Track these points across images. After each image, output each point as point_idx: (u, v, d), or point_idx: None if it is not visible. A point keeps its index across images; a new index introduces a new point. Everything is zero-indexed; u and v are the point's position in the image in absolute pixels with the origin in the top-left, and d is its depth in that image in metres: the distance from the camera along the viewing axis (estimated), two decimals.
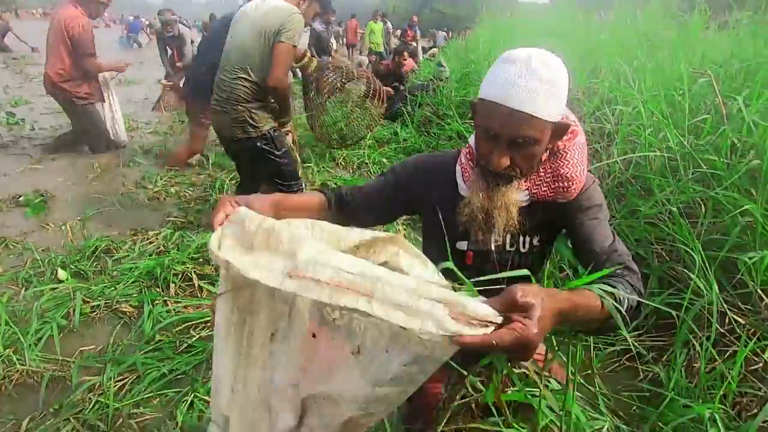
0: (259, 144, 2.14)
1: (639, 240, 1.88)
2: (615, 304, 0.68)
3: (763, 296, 1.46)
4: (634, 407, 1.45)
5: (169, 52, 5.54)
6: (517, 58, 0.76)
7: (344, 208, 0.99)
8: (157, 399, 1.42)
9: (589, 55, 3.64)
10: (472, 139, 0.94)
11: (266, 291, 0.66)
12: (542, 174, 0.90)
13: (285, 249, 0.60)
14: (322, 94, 3.52)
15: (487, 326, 0.54)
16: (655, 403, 1.35)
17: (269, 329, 0.70)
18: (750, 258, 1.47)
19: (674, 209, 1.69)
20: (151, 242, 2.38)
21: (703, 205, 1.70)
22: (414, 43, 11.17)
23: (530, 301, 0.55)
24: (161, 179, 3.25)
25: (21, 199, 2.78)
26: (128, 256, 2.23)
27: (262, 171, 2.32)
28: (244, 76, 2.05)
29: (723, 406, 1.30)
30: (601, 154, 2.26)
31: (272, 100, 2.19)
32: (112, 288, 1.92)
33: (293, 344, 0.68)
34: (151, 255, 2.22)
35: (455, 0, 41.08)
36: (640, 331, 1.76)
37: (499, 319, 0.55)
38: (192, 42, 5.43)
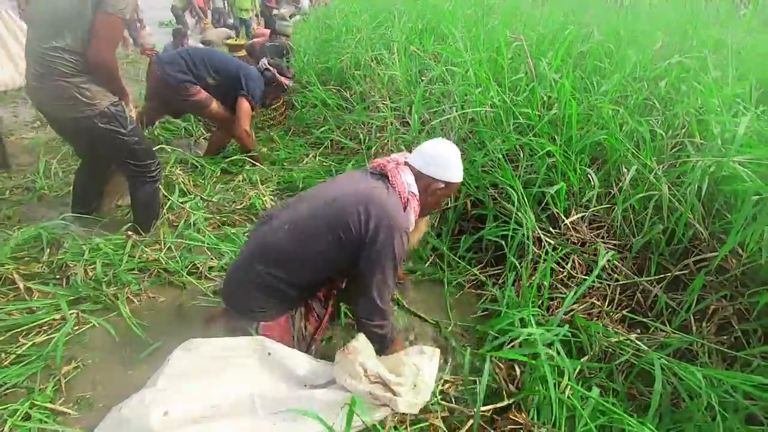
0: (98, 123, 1.82)
1: (478, 186, 2.16)
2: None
3: (563, 217, 1.81)
4: (477, 326, 1.72)
5: None
6: (457, 151, 1.47)
7: None
8: None
9: (437, 22, 3.91)
10: (415, 191, 1.39)
11: None
12: None
13: None
14: None
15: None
16: (495, 321, 1.62)
17: None
18: (554, 189, 1.81)
19: (500, 156, 1.98)
20: None
21: (521, 151, 2.02)
22: (278, 10, 10.58)
23: None
24: None
25: None
26: None
27: (109, 153, 2.00)
28: (60, 45, 1.70)
29: (540, 310, 1.62)
30: (446, 113, 2.49)
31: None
32: None
33: None
34: None
35: None
36: (483, 264, 2.05)
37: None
38: None
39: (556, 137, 2.00)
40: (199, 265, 1.93)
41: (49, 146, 3.13)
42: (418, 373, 1.23)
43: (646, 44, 2.36)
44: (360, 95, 3.54)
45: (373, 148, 2.84)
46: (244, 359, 1.31)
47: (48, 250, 1.89)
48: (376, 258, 1.29)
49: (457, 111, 2.28)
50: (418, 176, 1.41)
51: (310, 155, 3.18)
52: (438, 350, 1.37)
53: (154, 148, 2.19)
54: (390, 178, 1.38)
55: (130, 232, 2.02)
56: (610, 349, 1.46)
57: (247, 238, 1.62)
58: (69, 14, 1.69)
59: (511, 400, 1.34)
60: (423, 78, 3.17)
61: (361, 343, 1.28)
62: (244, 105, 2.87)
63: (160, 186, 2.21)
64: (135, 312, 1.69)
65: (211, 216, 2.36)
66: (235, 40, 5.76)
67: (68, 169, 2.73)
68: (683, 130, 1.98)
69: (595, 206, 1.86)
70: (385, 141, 2.84)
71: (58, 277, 1.78)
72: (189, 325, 1.69)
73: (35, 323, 1.55)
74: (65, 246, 1.91)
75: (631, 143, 1.89)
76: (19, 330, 1.52)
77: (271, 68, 3.20)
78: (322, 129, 3.43)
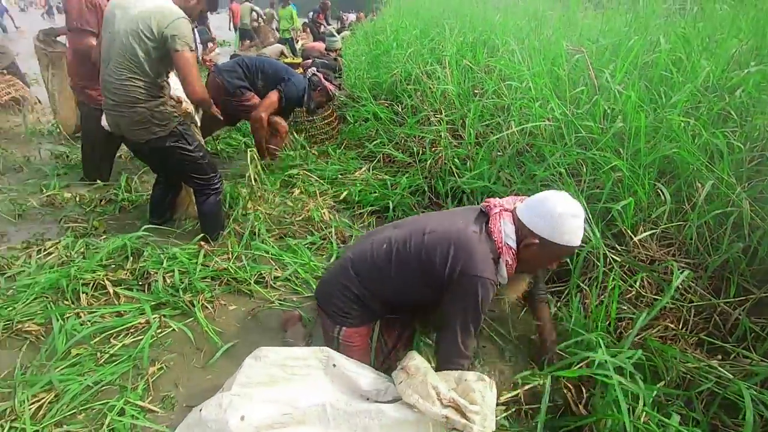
0: (168, 142, 2.03)
1: None
2: None
3: (631, 234, 1.75)
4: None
5: None
6: (579, 212, 1.26)
7: None
8: (83, 414, 1.35)
9: (488, 35, 3.91)
10: (512, 243, 1.30)
11: None
12: None
13: None
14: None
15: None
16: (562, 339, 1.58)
17: None
18: (621, 205, 1.75)
19: (562, 171, 1.94)
20: (50, 253, 2.16)
21: (584, 165, 1.97)
22: (325, 26, 10.98)
23: None
24: (57, 180, 2.92)
25: None
26: (24, 271, 2.01)
27: (178, 168, 2.21)
28: (133, 77, 1.91)
29: (606, 333, 1.57)
30: (502, 125, 2.48)
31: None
32: (10, 308, 1.73)
33: None
34: (52, 267, 2.02)
35: None
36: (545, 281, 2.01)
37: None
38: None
39: (621, 151, 1.94)
40: (264, 275, 2.03)
41: (129, 162, 3.41)
42: (483, 400, 1.22)
43: (720, 52, 2.24)
44: (411, 109, 3.60)
45: (428, 161, 2.86)
46: (309, 369, 1.37)
47: (131, 258, 2.06)
48: (458, 304, 1.27)
49: (514, 125, 2.27)
50: (519, 227, 1.31)
51: (363, 168, 3.26)
52: (494, 382, 1.33)
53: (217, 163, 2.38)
54: (489, 223, 1.33)
55: (202, 243, 2.17)
56: (689, 376, 1.38)
57: (352, 243, 1.70)
58: (140, 51, 1.88)
59: (581, 423, 1.31)
60: (476, 91, 3.18)
61: (419, 361, 1.29)
62: (272, 96, 3.05)
63: (223, 197, 2.39)
64: (209, 318, 1.81)
65: (273, 228, 2.47)
66: (293, 58, 6.05)
67: (144, 183, 2.97)
68: (763, 143, 1.86)
69: (665, 223, 1.78)
70: (439, 155, 2.86)
71: (140, 283, 1.93)
72: (258, 331, 1.79)
73: (124, 326, 1.69)
74: (145, 255, 2.08)
75: (705, 157, 1.80)
76: (110, 332, 1.66)
77: (318, 74, 3.34)
78: (375, 142, 3.51)
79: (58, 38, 3.33)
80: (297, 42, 9.03)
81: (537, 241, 1.27)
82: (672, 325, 1.59)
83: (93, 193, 2.83)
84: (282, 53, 7.61)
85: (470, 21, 4.54)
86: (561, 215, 1.24)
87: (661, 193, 1.79)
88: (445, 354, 1.31)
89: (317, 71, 3.34)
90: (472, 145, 2.61)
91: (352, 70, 4.91)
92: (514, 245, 1.30)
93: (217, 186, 2.25)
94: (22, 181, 3.01)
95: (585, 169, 1.96)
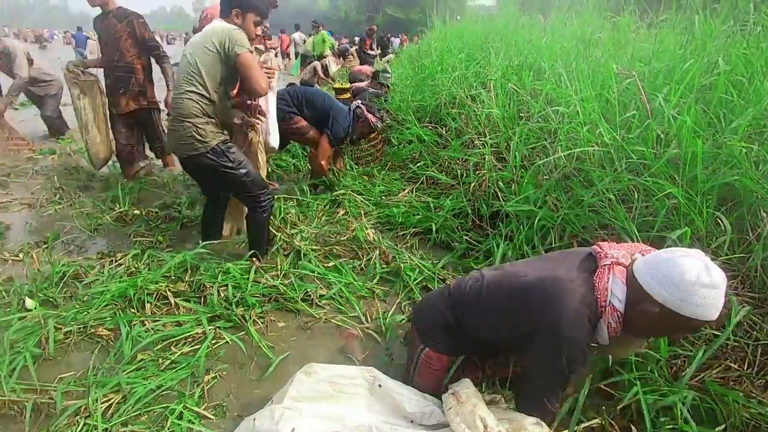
0: (209, 159, 2.15)
1: (585, 227, 2.08)
2: None
3: None
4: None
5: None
6: (719, 282, 1.01)
7: None
8: (146, 416, 1.46)
9: (534, 58, 3.91)
10: (618, 305, 1.12)
11: None
12: None
13: None
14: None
15: None
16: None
17: None
18: (677, 235, 1.68)
19: (612, 197, 1.90)
20: (120, 264, 2.37)
21: (635, 192, 1.92)
22: (372, 51, 11.40)
23: None
24: (128, 197, 3.20)
25: None
26: (98, 279, 2.22)
27: (224, 186, 2.36)
28: (190, 89, 2.08)
29: (660, 371, 1.49)
30: (548, 149, 2.46)
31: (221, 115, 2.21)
32: (85, 313, 1.91)
33: None
34: (121, 277, 2.21)
35: (406, 5, 41.99)
36: None
37: None
38: (28, 57, 4.46)
39: (676, 177, 1.87)
40: (311, 293, 2.11)
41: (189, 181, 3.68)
42: None
43: None
44: (455, 131, 3.64)
45: (472, 184, 2.88)
46: (357, 388, 1.41)
47: (190, 272, 2.21)
48: (542, 362, 1.18)
49: (561, 149, 2.25)
50: (634, 288, 1.10)
51: (407, 190, 3.32)
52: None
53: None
54: (595, 275, 1.17)
55: (254, 259, 2.29)
56: (753, 422, 1.29)
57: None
58: (202, 65, 2.05)
59: None
60: (522, 114, 3.18)
61: (471, 390, 1.29)
62: (324, 144, 3.28)
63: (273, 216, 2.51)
64: (260, 332, 1.90)
65: (318, 248, 2.57)
66: (341, 84, 6.32)
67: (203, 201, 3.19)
68: None
69: (726, 254, 1.68)
70: (483, 177, 2.87)
71: (198, 295, 2.07)
72: (306, 346, 1.86)
73: (183, 335, 1.82)
74: (202, 269, 2.23)
75: None
76: (171, 340, 1.79)
77: (361, 106, 3.48)
78: (419, 164, 3.57)
79: (88, 70, 3.41)
80: (331, 66, 9.58)
81: (657, 309, 1.05)
82: (734, 366, 1.49)
83: (159, 210, 3.07)
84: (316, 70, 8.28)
85: (515, 44, 4.56)
86: (694, 284, 1.00)
87: (720, 222, 1.71)
88: (524, 407, 1.24)
89: (361, 104, 3.50)
90: (517, 168, 2.61)
91: (397, 93, 5.05)
92: (621, 308, 1.12)
93: (264, 203, 2.33)
94: (95, 196, 3.32)
95: (636, 196, 1.90)
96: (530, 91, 3.29)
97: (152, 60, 3.50)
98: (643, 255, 1.18)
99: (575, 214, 2.10)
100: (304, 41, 11.69)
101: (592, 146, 2.05)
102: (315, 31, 10.96)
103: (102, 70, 3.44)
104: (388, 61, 12.73)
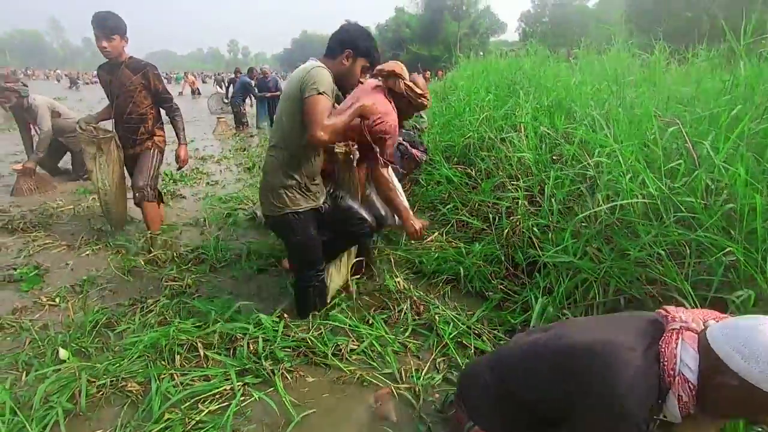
0: (277, 224, 2.09)
1: (631, 281, 1.96)
2: None
3: None
4: None
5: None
6: None
7: None
8: None
9: (564, 98, 3.87)
10: (690, 375, 0.98)
11: None
12: None
13: None
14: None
15: None
16: None
17: None
18: (738, 297, 1.55)
19: (662, 252, 1.79)
20: (150, 311, 2.38)
21: (687, 247, 1.80)
22: None
23: None
24: (161, 241, 3.26)
25: (15, 272, 2.75)
26: (130, 328, 2.22)
27: (286, 247, 2.31)
28: (276, 145, 1.99)
29: None
30: (586, 195, 2.37)
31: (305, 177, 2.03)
32: (117, 365, 1.90)
33: None
34: (153, 326, 2.21)
35: (430, 42, 43.35)
36: None
37: None
38: (55, 110, 4.60)
39: (731, 231, 1.75)
40: (341, 347, 2.05)
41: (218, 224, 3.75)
42: None
43: None
44: (485, 173, 3.60)
45: (506, 230, 2.80)
46: None
47: (220, 322, 2.18)
48: None
49: (600, 198, 2.16)
50: (708, 358, 0.97)
51: (436, 233, 3.26)
52: None
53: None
54: (661, 341, 1.04)
55: (285, 314, 2.25)
56: None
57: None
58: (285, 116, 1.92)
59: None
60: (555, 158, 3.12)
61: None
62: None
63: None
64: (288, 387, 1.84)
65: (346, 297, 2.51)
66: None
67: (228, 238, 3.22)
68: None
69: None
70: (516, 223, 2.79)
71: (227, 347, 2.04)
72: (335, 403, 1.77)
73: (211, 392, 1.77)
74: (233, 317, 2.20)
75: None
76: (199, 397, 1.75)
77: (404, 143, 3.44)
78: (448, 206, 3.52)
79: (101, 125, 3.18)
80: None
81: (735, 383, 0.91)
82: None
83: (188, 253, 3.11)
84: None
85: (543, 83, 4.55)
86: None
87: None
88: None
89: (403, 140, 3.47)
90: (553, 214, 2.52)
91: (425, 134, 5.07)
92: (693, 378, 0.97)
93: (310, 282, 2.22)
94: (128, 238, 3.40)
95: (689, 251, 1.78)
96: (562, 134, 3.24)
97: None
98: (717, 322, 1.03)
99: (619, 268, 1.99)
100: None
101: (636, 197, 1.95)
102: None
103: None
104: None
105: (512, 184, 3.12)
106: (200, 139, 8.50)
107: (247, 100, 10.26)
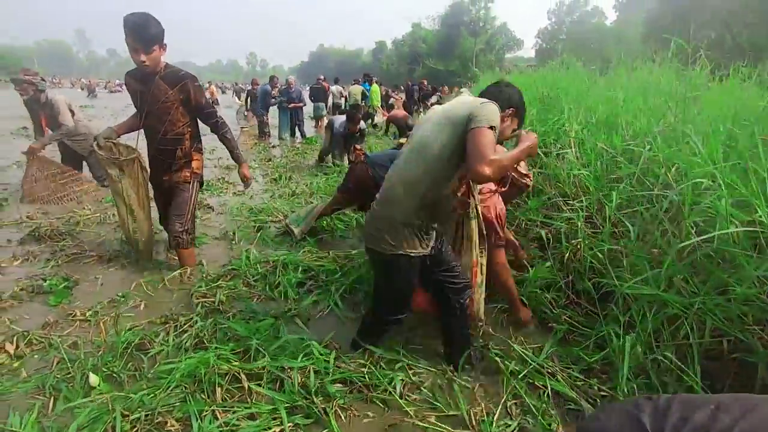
0: (384, 262, 1.78)
1: (732, 320, 1.72)
2: None
3: None
4: None
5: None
6: None
7: None
8: None
9: (611, 113, 3.67)
10: None
11: None
12: None
13: None
14: None
15: None
16: None
17: None
18: None
19: None
20: (184, 331, 2.20)
21: None
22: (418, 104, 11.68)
23: None
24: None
25: (45, 284, 2.61)
26: (163, 350, 2.04)
27: (377, 286, 1.99)
28: (407, 171, 1.73)
29: None
30: (664, 223, 2.15)
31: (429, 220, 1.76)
32: (152, 395, 1.72)
33: None
34: (187, 350, 2.03)
35: (446, 57, 43.63)
36: None
37: None
38: (70, 108, 4.48)
39: None
40: (399, 383, 1.83)
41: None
42: None
43: None
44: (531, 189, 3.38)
45: (566, 254, 2.58)
46: None
47: (264, 352, 1.99)
48: None
49: (688, 227, 1.94)
50: None
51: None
52: None
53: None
54: None
55: (335, 344, 2.05)
56: None
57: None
58: (430, 141, 1.69)
59: None
60: (614, 176, 2.90)
61: None
62: None
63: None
64: (343, 428, 1.63)
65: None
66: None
67: (260, 252, 3.05)
68: None
69: None
70: (577, 246, 2.57)
71: (274, 377, 1.84)
72: None
73: None
74: (281, 343, 2.02)
75: None
76: None
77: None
78: None
79: (122, 140, 2.78)
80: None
81: None
82: None
83: (217, 270, 2.94)
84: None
85: (584, 99, 4.35)
86: None
87: None
88: None
89: None
90: (629, 239, 2.29)
91: None
92: None
93: (385, 327, 1.99)
94: (156, 251, 3.25)
95: None
96: (621, 151, 3.02)
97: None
98: None
99: (717, 304, 1.75)
100: (341, 94, 12.23)
101: (737, 225, 1.73)
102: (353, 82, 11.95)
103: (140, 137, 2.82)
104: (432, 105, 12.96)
105: (567, 204, 2.90)
106: (223, 148, 8.43)
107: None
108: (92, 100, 22.38)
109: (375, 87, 12.14)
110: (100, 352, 1.99)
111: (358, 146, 5.43)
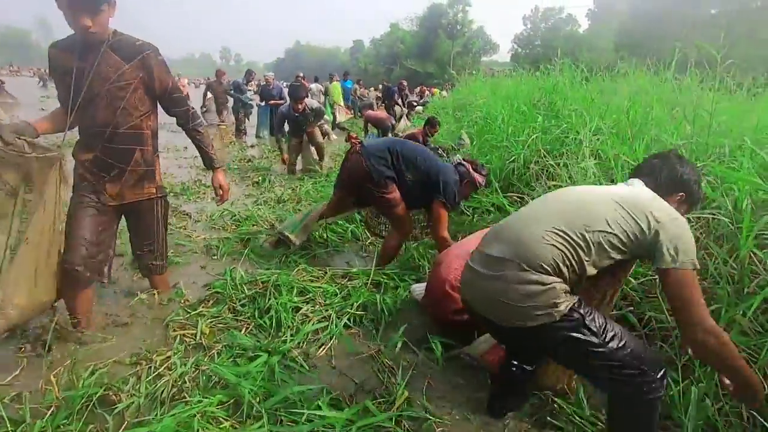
0: (559, 332, 1.30)
1: None
2: None
3: None
4: None
5: None
6: None
7: None
8: None
9: (619, 122, 3.49)
10: None
11: None
12: None
13: None
14: None
15: None
16: None
17: None
18: None
19: None
20: (159, 375, 1.82)
21: None
22: (399, 105, 11.41)
23: None
24: None
25: None
26: (133, 403, 1.66)
27: (580, 367, 1.44)
28: (561, 230, 1.34)
29: None
30: (712, 248, 1.93)
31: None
32: None
33: None
34: (163, 403, 1.65)
35: (424, 58, 43.68)
36: None
37: None
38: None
39: None
40: None
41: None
42: None
43: None
44: None
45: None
46: None
47: (258, 407, 1.65)
48: None
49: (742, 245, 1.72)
50: None
51: None
52: None
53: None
54: None
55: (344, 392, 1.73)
56: None
57: None
58: (615, 224, 1.32)
59: None
60: None
61: None
62: (442, 212, 2.74)
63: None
64: None
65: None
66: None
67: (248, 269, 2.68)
68: None
69: None
70: None
71: None
72: None
73: None
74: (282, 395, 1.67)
75: None
76: None
77: (465, 163, 2.96)
78: None
79: (41, 140, 1.84)
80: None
81: None
82: None
83: (197, 293, 2.55)
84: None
85: (588, 106, 4.17)
86: None
87: None
88: None
89: (463, 160, 2.99)
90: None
91: (459, 152, 4.65)
92: None
93: (657, 393, 1.31)
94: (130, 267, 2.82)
95: None
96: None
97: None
98: None
99: None
100: (321, 91, 12.00)
101: None
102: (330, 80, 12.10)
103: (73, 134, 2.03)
104: (417, 114, 12.71)
105: None
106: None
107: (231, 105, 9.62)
108: (45, 90, 20.79)
109: (336, 84, 11.86)
110: (51, 413, 1.59)
111: (354, 135, 5.09)
